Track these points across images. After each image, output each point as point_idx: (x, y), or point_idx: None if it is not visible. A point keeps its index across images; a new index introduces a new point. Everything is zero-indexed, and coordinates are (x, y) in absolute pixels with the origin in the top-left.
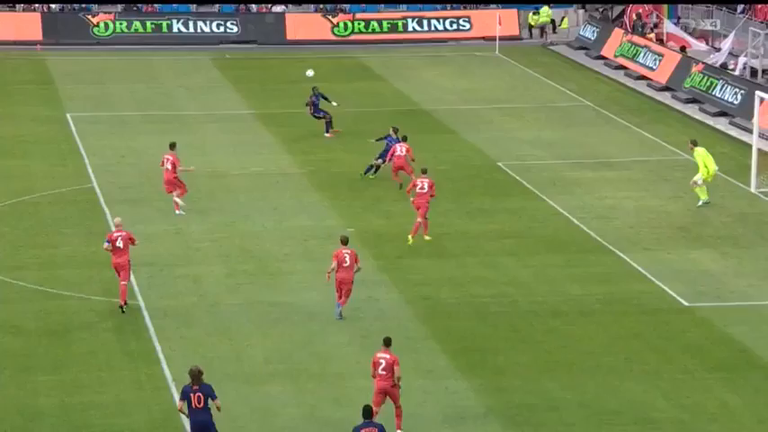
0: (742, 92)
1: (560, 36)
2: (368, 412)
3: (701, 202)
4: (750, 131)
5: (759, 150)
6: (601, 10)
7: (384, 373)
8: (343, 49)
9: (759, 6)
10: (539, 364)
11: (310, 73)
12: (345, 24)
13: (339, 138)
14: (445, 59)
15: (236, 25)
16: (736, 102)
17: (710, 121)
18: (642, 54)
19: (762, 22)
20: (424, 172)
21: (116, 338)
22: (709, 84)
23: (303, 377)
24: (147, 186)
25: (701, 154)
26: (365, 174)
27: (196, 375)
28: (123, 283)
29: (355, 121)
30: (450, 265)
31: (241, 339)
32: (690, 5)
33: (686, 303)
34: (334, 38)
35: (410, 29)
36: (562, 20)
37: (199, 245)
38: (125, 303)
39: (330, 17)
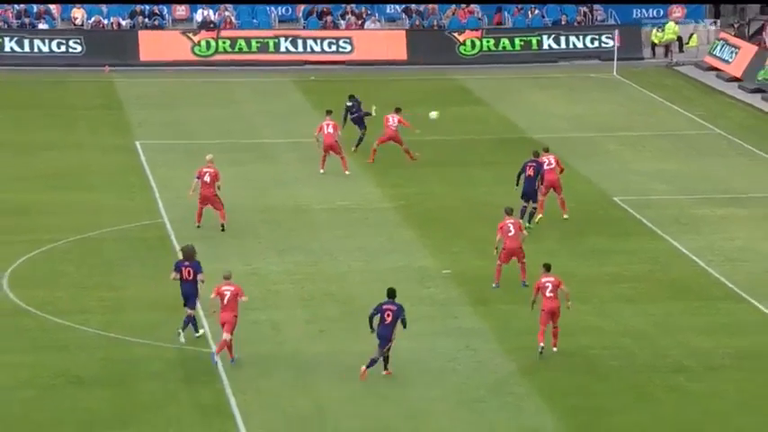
0: None
1: (688, 55)
2: (392, 293)
3: None
4: None
5: None
6: (736, 26)
7: (552, 295)
8: (450, 70)
9: None
10: (660, 426)
11: (434, 115)
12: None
13: (435, 169)
14: (555, 81)
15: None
16: None
17: None
18: None
19: None
20: (546, 150)
21: (186, 390)
22: None
23: None
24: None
25: None
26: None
27: (190, 253)
28: (221, 212)
29: (453, 150)
30: None
31: (324, 392)
32: None
33: None
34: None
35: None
36: (690, 37)
37: (278, 287)
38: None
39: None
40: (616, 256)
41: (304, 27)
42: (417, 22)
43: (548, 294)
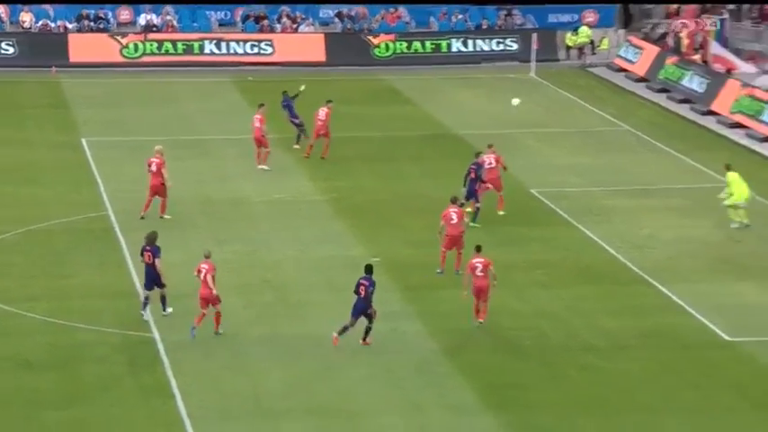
0: None
1: (599, 57)
2: (369, 268)
3: (734, 225)
4: None
5: None
6: (643, 30)
7: (482, 274)
8: (372, 71)
9: None
10: (571, 401)
11: (516, 101)
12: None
13: (365, 163)
14: (477, 81)
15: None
16: None
17: (757, 146)
18: (688, 77)
19: None
20: (490, 146)
21: (129, 372)
22: (758, 108)
23: (323, 414)
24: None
25: (735, 179)
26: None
27: (151, 238)
28: (163, 200)
29: (383, 146)
30: None
31: (260, 373)
32: (739, 25)
33: (727, 338)
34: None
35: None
36: (601, 40)
37: (217, 274)
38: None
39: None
40: (532, 243)
41: (242, 30)
42: (349, 26)
43: (478, 273)
